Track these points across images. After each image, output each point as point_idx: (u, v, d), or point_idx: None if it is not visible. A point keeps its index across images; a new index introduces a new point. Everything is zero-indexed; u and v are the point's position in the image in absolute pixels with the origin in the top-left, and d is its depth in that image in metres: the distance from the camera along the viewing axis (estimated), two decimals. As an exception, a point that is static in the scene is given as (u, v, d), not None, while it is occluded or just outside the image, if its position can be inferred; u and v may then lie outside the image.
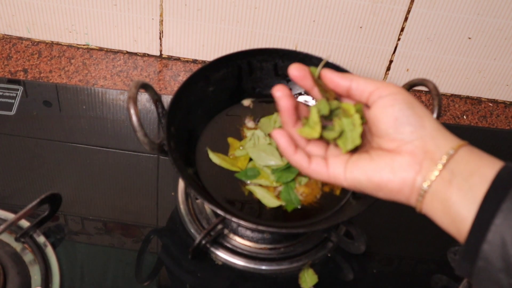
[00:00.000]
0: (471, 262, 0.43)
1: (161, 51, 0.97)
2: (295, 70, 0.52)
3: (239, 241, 0.75)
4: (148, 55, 0.98)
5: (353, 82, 0.51)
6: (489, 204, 0.42)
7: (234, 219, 0.63)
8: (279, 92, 0.52)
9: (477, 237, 0.42)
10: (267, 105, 0.81)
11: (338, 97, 0.54)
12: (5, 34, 0.97)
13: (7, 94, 0.88)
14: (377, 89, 0.50)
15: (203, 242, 0.72)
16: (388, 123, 0.49)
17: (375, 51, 0.93)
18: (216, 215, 0.76)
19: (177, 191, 0.79)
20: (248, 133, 0.77)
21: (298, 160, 0.52)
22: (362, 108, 0.52)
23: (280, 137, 0.52)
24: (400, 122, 0.48)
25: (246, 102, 0.81)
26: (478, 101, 1.00)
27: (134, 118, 0.62)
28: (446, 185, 0.45)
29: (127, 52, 0.98)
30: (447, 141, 0.47)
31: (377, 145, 0.51)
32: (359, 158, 0.51)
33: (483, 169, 0.44)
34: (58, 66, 0.95)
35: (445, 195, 0.45)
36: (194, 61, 0.98)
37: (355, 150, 0.52)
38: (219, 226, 0.73)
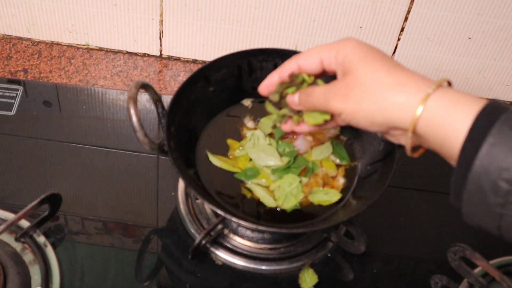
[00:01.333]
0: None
1: (161, 51, 0.97)
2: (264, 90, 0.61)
3: (239, 241, 0.75)
4: (148, 55, 0.98)
5: (298, 61, 0.57)
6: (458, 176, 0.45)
7: (234, 219, 0.63)
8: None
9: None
10: (267, 105, 0.80)
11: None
12: (5, 34, 0.97)
13: (7, 94, 0.88)
14: (325, 65, 0.55)
15: (203, 242, 0.72)
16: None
17: (375, 51, 0.93)
18: (216, 215, 0.76)
19: (177, 191, 0.79)
20: (248, 133, 0.77)
21: None
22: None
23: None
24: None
25: (246, 102, 0.81)
26: (478, 101, 1.00)
27: (134, 118, 0.62)
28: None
29: (127, 52, 0.98)
30: (407, 111, 0.48)
31: None
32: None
33: (447, 146, 0.46)
34: (58, 66, 0.95)
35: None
36: (194, 61, 0.98)
37: None
38: (219, 226, 0.73)
